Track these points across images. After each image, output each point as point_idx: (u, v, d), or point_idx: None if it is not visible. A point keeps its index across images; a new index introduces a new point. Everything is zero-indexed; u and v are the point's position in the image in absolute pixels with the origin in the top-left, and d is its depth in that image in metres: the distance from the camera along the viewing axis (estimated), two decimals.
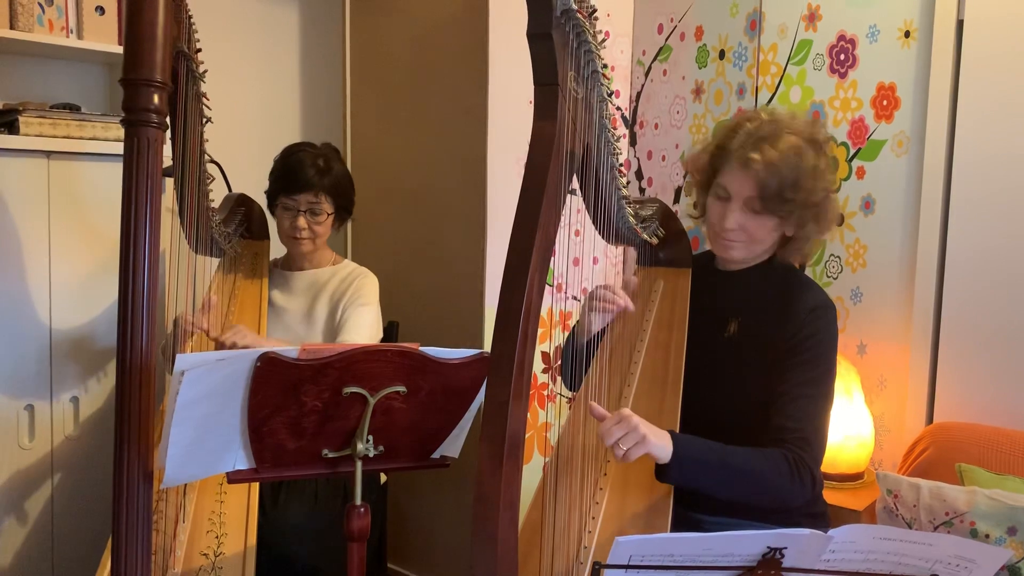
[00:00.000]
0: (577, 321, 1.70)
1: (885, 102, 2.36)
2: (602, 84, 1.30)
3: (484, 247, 2.53)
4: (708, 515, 1.63)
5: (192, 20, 1.74)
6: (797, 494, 1.51)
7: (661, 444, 1.41)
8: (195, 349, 1.99)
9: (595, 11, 1.22)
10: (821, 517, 1.68)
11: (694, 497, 1.60)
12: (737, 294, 1.70)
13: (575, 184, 1.35)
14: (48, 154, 2.15)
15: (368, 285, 2.26)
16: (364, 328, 2.17)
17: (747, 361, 1.64)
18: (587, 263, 2.75)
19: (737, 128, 1.63)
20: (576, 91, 1.23)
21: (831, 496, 2.17)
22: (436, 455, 1.60)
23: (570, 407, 1.69)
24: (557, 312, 2.67)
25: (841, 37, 2.43)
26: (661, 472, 1.44)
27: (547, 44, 1.17)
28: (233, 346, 1.86)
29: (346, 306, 2.20)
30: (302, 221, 2.19)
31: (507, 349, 1.16)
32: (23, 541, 2.17)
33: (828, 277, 2.47)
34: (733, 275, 1.71)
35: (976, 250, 2.17)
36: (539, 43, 1.17)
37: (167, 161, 1.66)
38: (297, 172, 2.17)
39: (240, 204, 2.25)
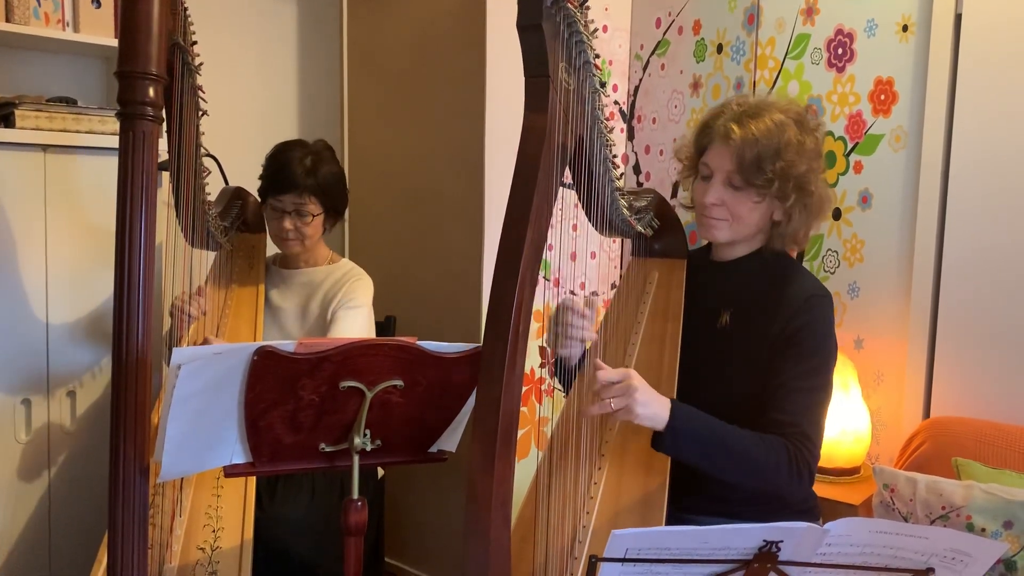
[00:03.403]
0: (552, 341, 1.65)
1: (883, 96, 2.35)
2: (594, 75, 1.28)
3: (482, 241, 2.52)
4: (703, 516, 1.61)
5: (188, 12, 1.73)
6: (794, 488, 1.50)
7: (654, 413, 1.41)
8: (195, 332, 2.00)
9: (586, 0, 1.21)
10: (811, 512, 1.68)
11: (688, 498, 1.59)
12: (729, 285, 1.69)
13: (568, 177, 1.34)
14: (44, 148, 2.15)
15: (360, 288, 2.23)
16: (353, 333, 2.15)
17: (740, 352, 1.62)
18: (584, 258, 2.75)
19: (724, 108, 1.63)
20: (568, 82, 1.22)
21: (828, 490, 2.18)
22: (433, 449, 1.61)
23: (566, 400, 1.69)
24: (554, 307, 2.66)
25: (839, 31, 2.42)
26: (656, 440, 1.46)
27: (537, 35, 1.15)
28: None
29: (336, 308, 2.18)
30: (288, 223, 2.16)
31: (498, 344, 1.15)
32: (20, 535, 2.17)
33: (825, 271, 2.47)
34: (726, 265, 1.70)
35: (973, 244, 2.17)
36: (529, 34, 1.16)
37: (163, 155, 1.66)
38: (282, 172, 2.15)
39: (236, 197, 2.24)
